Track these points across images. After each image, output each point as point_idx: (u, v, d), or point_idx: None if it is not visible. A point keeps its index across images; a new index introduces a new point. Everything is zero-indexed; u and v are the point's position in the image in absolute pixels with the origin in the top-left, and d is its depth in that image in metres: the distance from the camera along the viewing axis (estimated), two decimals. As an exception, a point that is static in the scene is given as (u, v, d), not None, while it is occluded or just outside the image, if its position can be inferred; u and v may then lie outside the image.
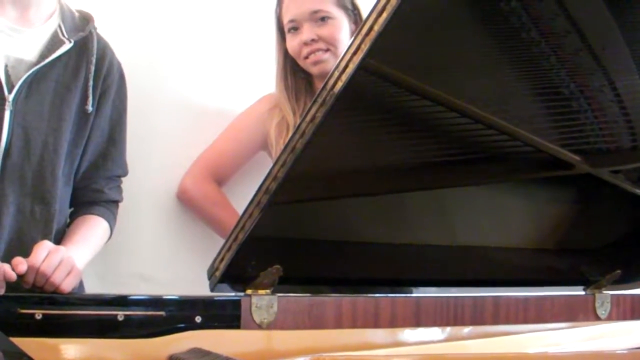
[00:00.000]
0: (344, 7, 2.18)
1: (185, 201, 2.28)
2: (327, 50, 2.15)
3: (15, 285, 1.53)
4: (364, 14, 2.13)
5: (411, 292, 2.01)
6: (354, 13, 2.19)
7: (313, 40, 2.15)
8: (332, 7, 2.16)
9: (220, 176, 2.29)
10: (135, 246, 2.20)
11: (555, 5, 1.57)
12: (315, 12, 2.15)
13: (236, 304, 1.56)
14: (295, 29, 2.18)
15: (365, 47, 1.35)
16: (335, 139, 1.49)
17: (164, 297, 1.54)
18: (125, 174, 2.03)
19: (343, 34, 2.16)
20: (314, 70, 2.19)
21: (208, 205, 2.27)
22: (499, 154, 1.71)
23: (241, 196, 2.11)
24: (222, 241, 1.56)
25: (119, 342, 1.46)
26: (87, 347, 1.45)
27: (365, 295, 1.70)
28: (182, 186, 2.27)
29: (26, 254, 1.59)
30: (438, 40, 1.50)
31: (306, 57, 2.18)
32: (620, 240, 2.05)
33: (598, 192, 1.92)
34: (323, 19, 2.15)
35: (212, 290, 1.57)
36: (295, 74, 2.25)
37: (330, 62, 2.12)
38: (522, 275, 1.97)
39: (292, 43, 2.19)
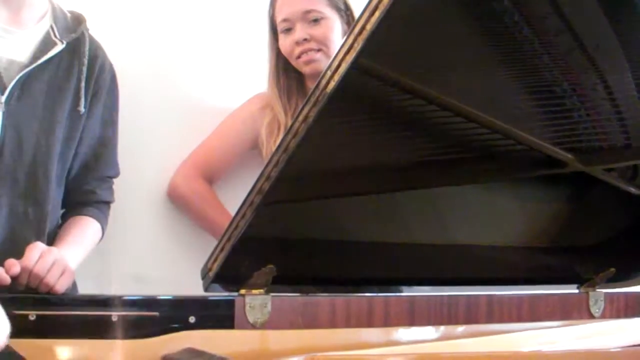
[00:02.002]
0: (336, 8, 2.19)
1: (175, 198, 2.28)
2: (319, 50, 2.16)
3: (9, 287, 1.53)
4: (357, 15, 2.13)
5: (404, 291, 2.00)
6: (346, 14, 2.20)
7: (305, 39, 2.16)
8: (324, 8, 2.17)
9: (211, 174, 2.29)
10: (129, 246, 2.20)
11: (548, 4, 1.57)
12: (308, 12, 2.16)
13: (230, 304, 1.56)
14: (288, 29, 2.19)
15: (357, 47, 1.35)
16: (328, 138, 1.49)
17: (158, 297, 1.54)
18: (117, 174, 2.03)
19: (335, 34, 2.17)
20: (306, 69, 2.19)
21: (198, 202, 2.26)
22: (492, 152, 1.71)
23: (232, 196, 2.11)
24: (215, 241, 1.56)
25: (112, 343, 1.46)
26: (81, 347, 1.45)
27: (358, 294, 1.70)
28: (172, 183, 2.27)
29: (19, 254, 1.59)
30: (430, 39, 1.50)
31: (298, 57, 2.18)
32: (613, 238, 2.05)
33: (591, 190, 1.92)
34: (316, 19, 2.16)
35: (205, 290, 1.57)
36: (287, 73, 2.25)
37: (322, 62, 2.13)
38: (515, 274, 1.97)
39: (285, 43, 2.20)
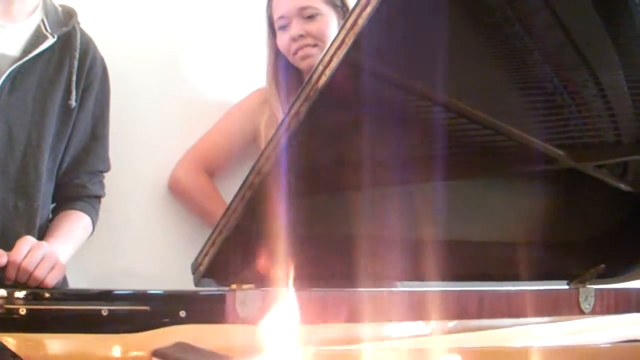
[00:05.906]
0: (332, 4, 2.20)
1: (177, 192, 2.29)
2: (315, 45, 2.17)
3: (-1, 281, 1.53)
4: (351, 9, 2.14)
5: (396, 287, 2.00)
6: (343, 10, 2.21)
7: (301, 35, 2.18)
8: (320, 4, 2.18)
9: (212, 168, 2.30)
10: (120, 241, 2.20)
11: (539, 0, 1.57)
12: (303, 8, 2.17)
13: (220, 298, 1.56)
14: (284, 26, 2.20)
15: (349, 42, 1.34)
16: (319, 134, 1.49)
17: (148, 291, 1.54)
18: (107, 169, 2.03)
19: (331, 29, 2.18)
20: (302, 65, 2.21)
21: (199, 196, 2.28)
22: (483, 148, 1.71)
23: (233, 190, 2.11)
24: (206, 236, 1.56)
25: (103, 337, 1.46)
26: (71, 342, 1.45)
27: (349, 289, 1.70)
28: (174, 176, 2.28)
29: (10, 249, 1.60)
30: (422, 35, 1.49)
31: (295, 53, 2.20)
32: (604, 234, 2.05)
33: (582, 186, 1.92)
34: (311, 16, 2.17)
35: (196, 285, 1.57)
36: (286, 71, 2.27)
37: (318, 57, 2.12)
38: (506, 270, 1.97)
39: (282, 40, 2.21)
